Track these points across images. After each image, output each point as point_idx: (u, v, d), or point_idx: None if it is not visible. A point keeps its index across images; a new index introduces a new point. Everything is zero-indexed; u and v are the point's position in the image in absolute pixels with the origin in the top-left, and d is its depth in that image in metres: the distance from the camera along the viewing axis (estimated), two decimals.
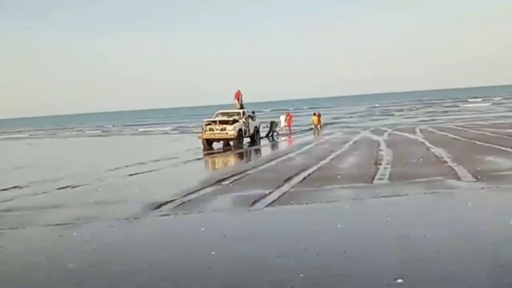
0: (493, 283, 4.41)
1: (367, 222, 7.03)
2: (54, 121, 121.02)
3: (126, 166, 16.17)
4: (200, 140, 23.98)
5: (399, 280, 4.49)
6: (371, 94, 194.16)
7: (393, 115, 58.29)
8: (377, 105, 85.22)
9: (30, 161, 22.42)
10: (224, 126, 23.63)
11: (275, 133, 31.86)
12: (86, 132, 63.74)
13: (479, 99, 77.27)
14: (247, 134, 25.33)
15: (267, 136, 30.45)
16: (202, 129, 24.06)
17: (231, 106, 28.01)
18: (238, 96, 27.95)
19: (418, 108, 68.43)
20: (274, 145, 25.88)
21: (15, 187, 12.79)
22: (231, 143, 24.19)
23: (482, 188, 8.93)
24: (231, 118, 24.59)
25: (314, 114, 36.72)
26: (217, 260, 5.54)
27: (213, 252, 5.78)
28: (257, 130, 27.01)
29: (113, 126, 74.78)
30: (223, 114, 25.78)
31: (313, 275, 4.85)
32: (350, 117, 59.69)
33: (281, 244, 6.09)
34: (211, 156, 20.43)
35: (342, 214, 7.65)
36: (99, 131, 63.58)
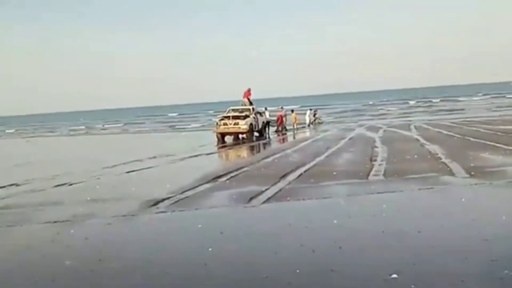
0: (485, 277, 4.49)
1: (363, 218, 7.10)
2: (36, 120, 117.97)
3: (123, 164, 16.18)
4: (215, 134, 26.06)
5: (394, 275, 4.56)
6: (367, 92, 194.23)
7: (388, 112, 58.43)
8: (371, 102, 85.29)
9: (27, 158, 22.37)
10: (237, 121, 25.77)
11: (285, 129, 33.12)
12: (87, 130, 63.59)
13: (474, 96, 77.55)
14: (256, 129, 27.24)
15: (276, 131, 32.13)
16: (217, 124, 26.24)
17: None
18: (247, 94, 29.61)
19: (411, 106, 68.58)
20: (274, 141, 26.28)
21: (12, 184, 12.80)
22: (243, 136, 26.03)
23: (476, 184, 9.01)
24: (242, 114, 26.61)
25: (292, 111, 36.39)
26: (214, 257, 5.59)
27: (210, 249, 5.83)
28: (264, 125, 28.82)
29: (89, 125, 74.16)
30: (234, 110, 27.64)
31: (309, 271, 4.91)
32: (345, 114, 59.79)
33: (277, 241, 6.15)
34: (208, 153, 20.46)
35: (338, 210, 7.72)
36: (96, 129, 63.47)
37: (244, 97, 29.78)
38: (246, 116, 26.34)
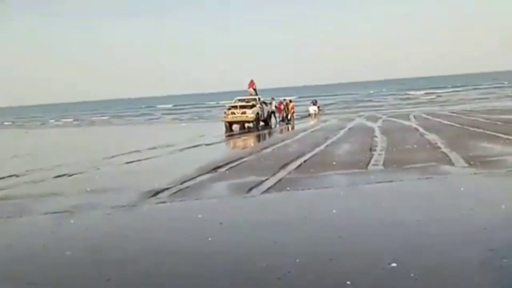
0: (484, 266, 4.50)
1: (362, 208, 7.10)
2: (21, 112, 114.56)
3: (123, 154, 16.20)
4: (223, 123, 27.66)
5: (393, 264, 4.57)
6: (367, 81, 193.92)
7: (387, 102, 58.43)
8: (371, 91, 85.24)
9: (26, 149, 22.39)
10: (244, 110, 27.24)
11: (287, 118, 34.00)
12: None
13: (475, 86, 77.45)
14: (262, 118, 28.71)
15: (282, 120, 33.40)
16: (225, 113, 27.83)
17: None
18: (252, 85, 31.20)
19: (410, 96, 68.52)
20: (275, 131, 26.72)
21: (12, 175, 12.81)
22: (250, 125, 27.47)
23: (475, 174, 9.02)
24: (249, 103, 28.08)
25: (290, 101, 36.49)
26: (214, 247, 5.60)
27: (210, 239, 5.84)
28: (269, 114, 30.37)
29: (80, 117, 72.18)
30: (240, 100, 29.20)
31: (308, 260, 4.92)
32: (345, 104, 59.76)
33: (277, 230, 6.15)
34: (207, 143, 20.48)
35: (337, 200, 7.73)
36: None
37: (249, 87, 31.02)
38: (252, 106, 27.67)
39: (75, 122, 62.52)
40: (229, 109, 27.74)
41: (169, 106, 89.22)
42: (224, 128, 27.10)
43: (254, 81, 31.59)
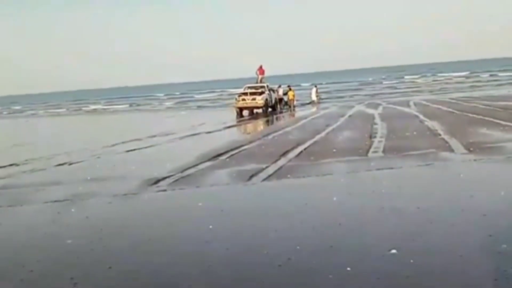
0: (483, 252, 4.53)
1: (362, 195, 7.12)
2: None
3: (123, 143, 16.19)
4: (234, 109, 29.26)
5: (393, 251, 4.60)
6: (366, 68, 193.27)
7: (387, 88, 58.27)
8: (370, 79, 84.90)
9: (27, 138, 22.39)
10: (254, 96, 28.83)
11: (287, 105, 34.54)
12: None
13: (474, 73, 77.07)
14: (270, 104, 30.14)
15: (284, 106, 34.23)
16: (236, 99, 29.52)
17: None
18: (261, 71, 32.40)
19: (409, 84, 68.32)
20: (274, 118, 26.70)
21: (12, 164, 12.82)
22: (259, 110, 28.90)
23: (475, 160, 9.03)
24: (258, 90, 29.69)
25: (290, 88, 36.34)
26: (215, 234, 5.62)
27: (211, 226, 5.87)
28: (277, 101, 31.74)
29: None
30: (250, 87, 30.56)
31: (309, 247, 4.95)
32: (345, 91, 59.58)
33: (277, 218, 6.18)
34: (208, 131, 20.48)
35: (338, 187, 7.75)
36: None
37: (260, 74, 32.23)
38: (262, 92, 29.32)
39: (67, 111, 61.69)
40: (240, 95, 29.32)
41: (161, 95, 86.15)
42: (226, 115, 27.95)
43: (264, 67, 32.31)
